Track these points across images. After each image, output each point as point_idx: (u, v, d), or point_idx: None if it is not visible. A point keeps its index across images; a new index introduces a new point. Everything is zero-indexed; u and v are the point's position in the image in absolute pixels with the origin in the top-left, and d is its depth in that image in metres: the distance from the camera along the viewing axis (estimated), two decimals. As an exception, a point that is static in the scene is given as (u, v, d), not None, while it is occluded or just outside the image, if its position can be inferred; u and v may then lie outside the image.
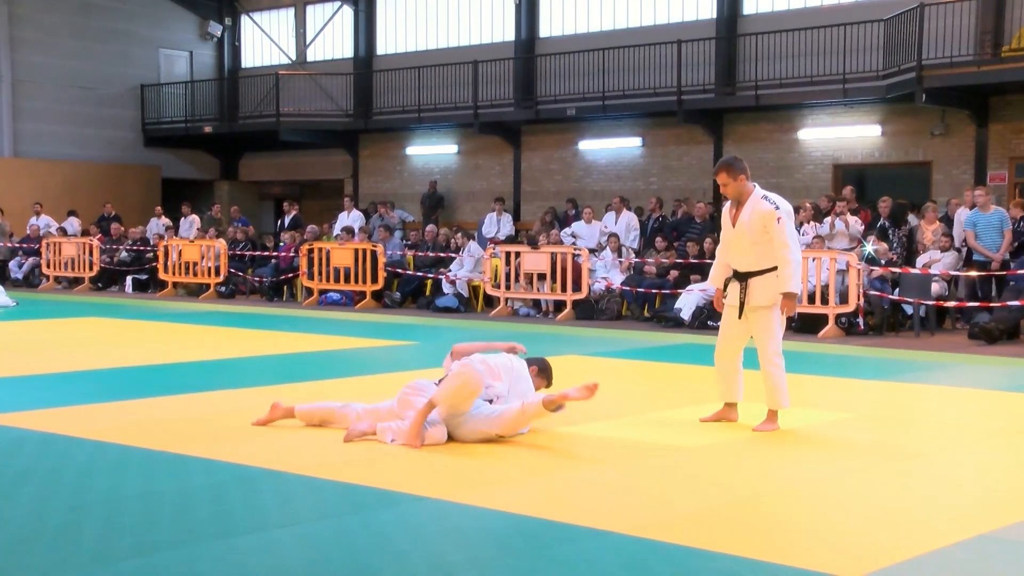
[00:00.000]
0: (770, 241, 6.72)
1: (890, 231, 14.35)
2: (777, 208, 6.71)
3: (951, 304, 13.43)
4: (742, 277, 6.88)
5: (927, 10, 16.01)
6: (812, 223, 14.72)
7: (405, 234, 20.45)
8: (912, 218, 15.35)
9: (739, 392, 7.09)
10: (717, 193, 17.35)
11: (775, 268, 6.74)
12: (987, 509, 5.04)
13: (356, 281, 16.97)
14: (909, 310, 13.31)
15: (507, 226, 18.73)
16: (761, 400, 6.98)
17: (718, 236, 7.87)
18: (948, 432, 7.03)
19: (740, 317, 6.89)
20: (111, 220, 21.85)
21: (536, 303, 15.79)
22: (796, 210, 14.88)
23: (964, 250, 13.93)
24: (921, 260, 13.76)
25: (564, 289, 15.02)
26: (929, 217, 14.61)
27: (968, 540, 4.48)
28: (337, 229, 19.20)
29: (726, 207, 7.06)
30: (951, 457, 6.26)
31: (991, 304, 12.76)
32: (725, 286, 7.06)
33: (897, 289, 13.29)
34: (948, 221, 14.76)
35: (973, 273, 13.31)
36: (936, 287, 13.23)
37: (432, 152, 23.93)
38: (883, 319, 13.15)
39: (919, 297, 12.99)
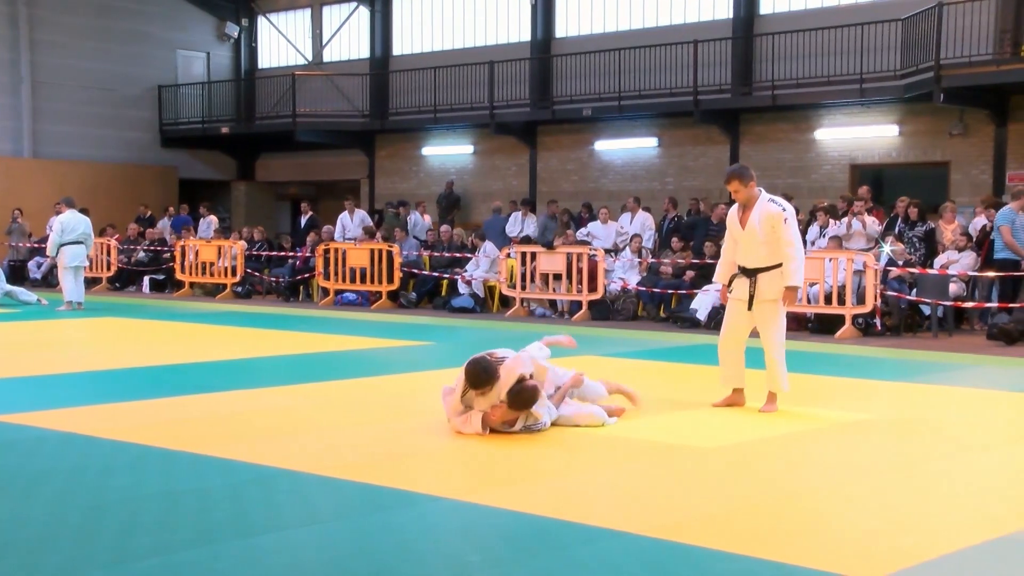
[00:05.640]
0: (777, 240, 7.37)
1: (906, 231, 14.29)
2: (784, 210, 7.40)
3: (969, 305, 13.36)
4: (750, 273, 7.50)
5: (945, 9, 15.92)
6: (833, 223, 14.68)
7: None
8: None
9: (742, 378, 7.68)
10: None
11: (780, 265, 7.39)
12: (1007, 511, 5.01)
13: (372, 281, 17.01)
14: (927, 311, 13.25)
15: (531, 227, 18.67)
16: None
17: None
18: (967, 434, 6.99)
19: (750, 309, 7.50)
20: (147, 221, 22.08)
21: (552, 303, 15.79)
22: (814, 214, 14.92)
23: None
24: (939, 261, 13.70)
25: (580, 290, 15.01)
26: (948, 217, 14.54)
27: (988, 542, 4.45)
28: (338, 233, 19.13)
29: (733, 209, 7.69)
30: (971, 459, 6.23)
31: (1010, 305, 12.69)
32: (730, 282, 7.67)
33: (915, 290, 13.24)
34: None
35: (991, 273, 13.23)
36: (954, 288, 13.16)
37: (448, 152, 23.95)
38: (901, 320, 13.09)
39: (937, 298, 12.93)
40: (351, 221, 19.68)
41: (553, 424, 6.73)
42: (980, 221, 14.46)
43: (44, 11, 24.51)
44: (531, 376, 6.52)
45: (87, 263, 16.66)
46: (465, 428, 6.52)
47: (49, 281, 21.13)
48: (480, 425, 6.47)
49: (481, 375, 6.46)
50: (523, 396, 6.45)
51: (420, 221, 19.27)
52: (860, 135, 18.60)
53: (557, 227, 17.61)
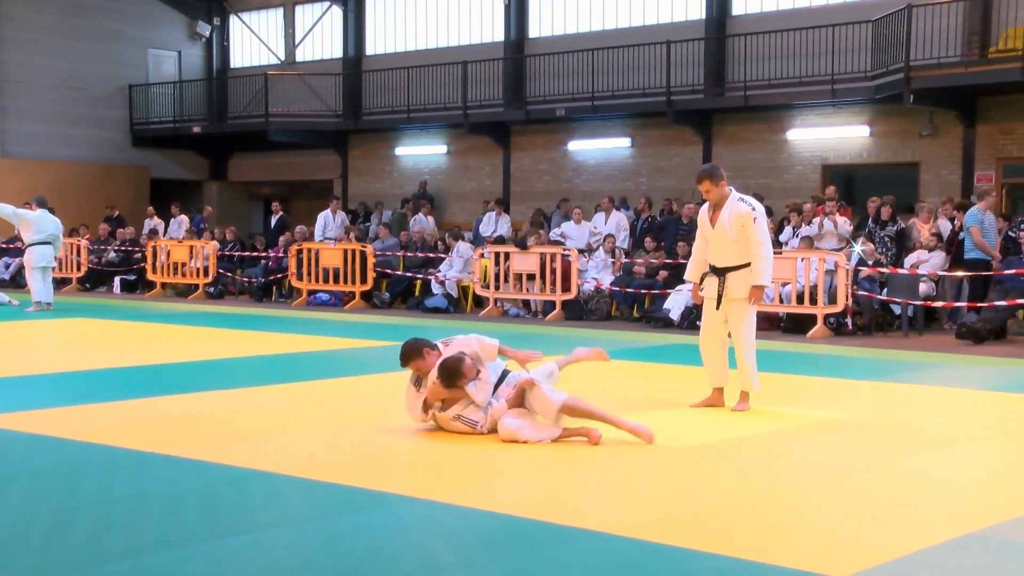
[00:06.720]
0: (747, 239, 7.40)
1: (876, 231, 14.39)
2: (753, 209, 7.43)
3: (939, 304, 13.48)
4: (720, 272, 7.55)
5: (915, 11, 16.05)
6: (804, 225, 14.78)
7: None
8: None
9: (726, 377, 7.67)
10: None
11: (750, 264, 7.43)
12: (975, 508, 5.06)
13: (345, 281, 16.95)
14: (897, 310, 13.36)
15: (504, 226, 18.71)
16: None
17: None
18: (937, 432, 7.05)
19: (718, 308, 7.57)
20: (115, 221, 21.88)
21: (525, 303, 15.80)
22: (787, 216, 15.02)
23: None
24: (909, 260, 13.81)
25: (553, 290, 15.03)
26: (924, 216, 14.65)
27: (956, 539, 4.49)
28: (319, 232, 19.12)
29: (704, 208, 7.73)
30: (940, 457, 6.28)
31: (979, 304, 12.81)
32: (701, 280, 7.74)
33: (886, 289, 13.34)
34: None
35: (960, 273, 13.36)
36: (924, 287, 13.27)
37: (422, 152, 23.91)
38: (872, 319, 13.19)
39: (907, 297, 13.03)
40: (333, 220, 19.66)
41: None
42: (945, 224, 14.55)
43: (13, 8, 24.26)
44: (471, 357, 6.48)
45: (55, 264, 16.52)
46: (411, 413, 6.62)
47: (17, 281, 20.92)
48: (421, 407, 6.49)
49: (404, 348, 6.57)
50: (446, 365, 6.33)
51: (424, 221, 19.30)
52: (831, 136, 18.72)
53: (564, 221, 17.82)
